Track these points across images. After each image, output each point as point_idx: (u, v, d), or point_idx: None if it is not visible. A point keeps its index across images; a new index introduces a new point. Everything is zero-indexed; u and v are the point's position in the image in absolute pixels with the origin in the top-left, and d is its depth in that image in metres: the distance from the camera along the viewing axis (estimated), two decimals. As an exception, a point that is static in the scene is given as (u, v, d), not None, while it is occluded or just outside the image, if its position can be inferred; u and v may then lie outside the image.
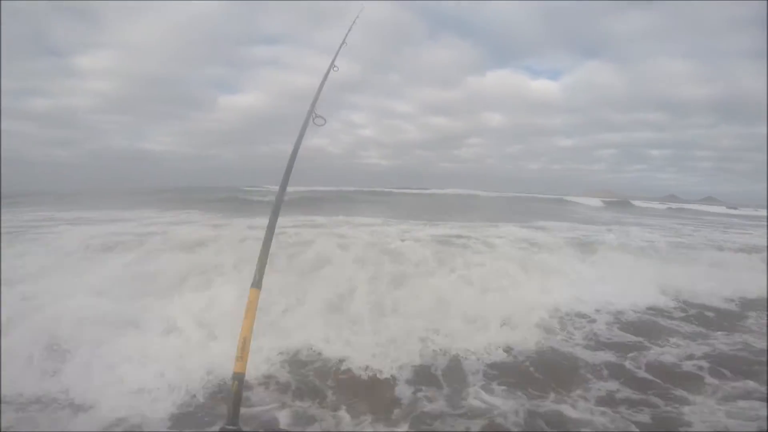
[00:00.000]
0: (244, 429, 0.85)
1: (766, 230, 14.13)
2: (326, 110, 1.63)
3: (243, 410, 1.04)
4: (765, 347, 3.32)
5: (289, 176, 1.41)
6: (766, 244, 8.65)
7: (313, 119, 1.58)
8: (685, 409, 2.36)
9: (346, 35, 2.94)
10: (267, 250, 1.16)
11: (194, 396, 2.32)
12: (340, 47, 2.60)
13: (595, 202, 33.99)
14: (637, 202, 38.51)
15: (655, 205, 37.53)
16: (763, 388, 2.60)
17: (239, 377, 0.90)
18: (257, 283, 1.06)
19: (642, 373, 2.83)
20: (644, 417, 2.28)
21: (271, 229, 1.23)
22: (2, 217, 6.89)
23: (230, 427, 0.84)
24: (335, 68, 1.94)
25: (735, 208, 38.07)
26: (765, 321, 4.04)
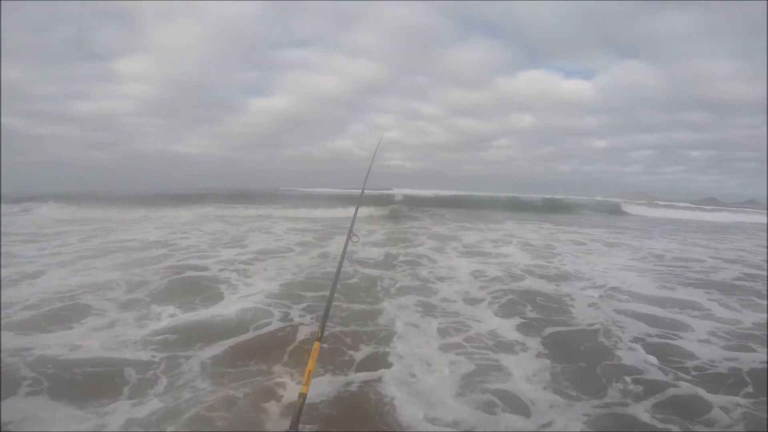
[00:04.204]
0: None
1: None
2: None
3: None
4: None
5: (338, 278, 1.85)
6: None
7: (351, 238, 2.33)
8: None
9: (372, 162, 3.43)
10: (327, 312, 1.56)
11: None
12: (368, 174, 3.21)
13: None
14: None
15: None
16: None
17: (303, 396, 1.21)
18: (319, 338, 1.44)
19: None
20: None
21: (332, 293, 1.64)
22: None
23: (292, 430, 1.12)
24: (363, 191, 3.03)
25: None
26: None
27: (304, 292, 4.92)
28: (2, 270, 5.53)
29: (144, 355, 3.11)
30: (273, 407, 2.45)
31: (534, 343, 3.51)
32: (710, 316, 4.42)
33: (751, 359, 3.33)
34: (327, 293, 5.35)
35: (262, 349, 3.28)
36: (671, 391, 2.75)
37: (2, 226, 10.80)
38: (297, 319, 3.99)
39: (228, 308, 4.25)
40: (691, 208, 27.48)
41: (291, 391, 2.62)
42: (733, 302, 4.99)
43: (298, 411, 1.15)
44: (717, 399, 2.67)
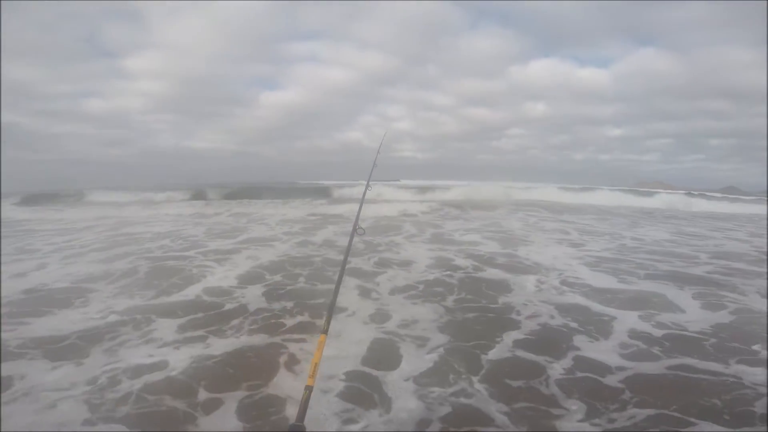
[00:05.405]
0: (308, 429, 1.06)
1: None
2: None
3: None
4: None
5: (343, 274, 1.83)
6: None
7: (357, 230, 2.32)
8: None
9: (376, 156, 3.57)
10: (333, 304, 1.58)
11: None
12: (372, 169, 3.37)
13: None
14: None
15: None
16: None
17: (309, 388, 1.16)
18: (325, 331, 1.40)
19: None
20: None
21: (337, 287, 1.64)
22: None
23: (298, 423, 1.06)
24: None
25: None
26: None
27: (270, 276, 5.55)
28: (16, 264, 6.36)
29: (113, 326, 3.77)
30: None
31: (439, 335, 3.59)
32: (649, 317, 4.10)
33: (651, 368, 3.04)
34: (291, 274, 5.91)
35: (213, 323, 3.85)
36: (528, 397, 2.70)
37: (17, 223, 11.76)
38: (255, 298, 4.61)
39: (197, 289, 4.92)
40: (716, 198, 25.93)
41: (231, 353, 3.18)
42: (692, 300, 4.65)
43: (305, 404, 1.12)
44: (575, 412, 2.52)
